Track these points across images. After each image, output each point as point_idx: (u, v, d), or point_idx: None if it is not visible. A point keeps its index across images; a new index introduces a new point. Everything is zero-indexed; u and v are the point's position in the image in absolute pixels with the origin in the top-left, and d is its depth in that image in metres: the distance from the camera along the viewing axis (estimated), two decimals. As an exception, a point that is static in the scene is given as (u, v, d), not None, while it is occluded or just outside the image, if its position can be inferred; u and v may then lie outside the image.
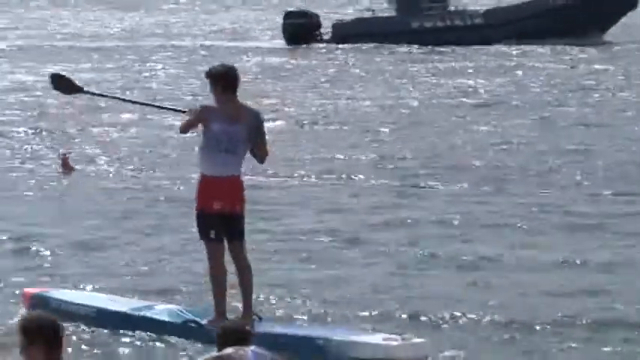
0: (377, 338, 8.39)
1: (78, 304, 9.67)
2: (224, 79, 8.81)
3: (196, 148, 9.77)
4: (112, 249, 12.06)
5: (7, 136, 22.81)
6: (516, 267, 11.82)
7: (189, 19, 53.83)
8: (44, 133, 22.97)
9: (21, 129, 23.64)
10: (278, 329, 8.92)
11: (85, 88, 10.67)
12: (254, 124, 8.89)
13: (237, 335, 7.69)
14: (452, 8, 34.13)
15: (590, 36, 33.92)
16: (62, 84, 10.35)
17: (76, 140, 22.12)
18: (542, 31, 32.77)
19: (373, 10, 34.97)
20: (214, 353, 7.32)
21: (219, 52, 37.51)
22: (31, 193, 15.94)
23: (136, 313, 9.40)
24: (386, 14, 34.24)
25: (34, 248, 11.92)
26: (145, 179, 18.10)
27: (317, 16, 34.84)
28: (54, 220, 13.98)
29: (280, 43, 35.04)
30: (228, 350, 7.39)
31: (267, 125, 20.97)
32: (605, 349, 8.65)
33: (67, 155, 18.49)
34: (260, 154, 8.93)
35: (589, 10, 33.69)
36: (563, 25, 33.24)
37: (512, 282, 11.09)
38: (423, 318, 9.40)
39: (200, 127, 8.99)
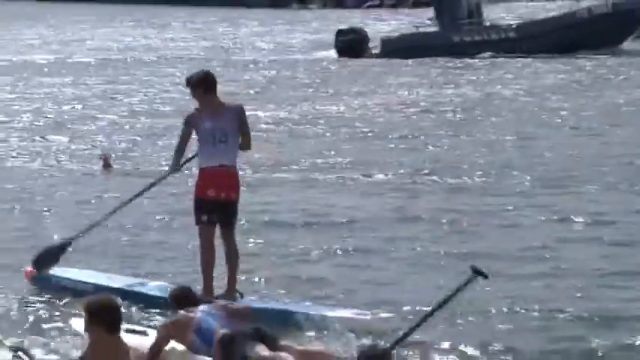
0: (349, 312, 9.20)
1: (76, 280, 10.10)
2: (205, 83, 9.52)
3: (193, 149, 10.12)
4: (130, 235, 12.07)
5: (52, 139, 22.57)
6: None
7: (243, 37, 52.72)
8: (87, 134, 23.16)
9: (65, 129, 23.72)
10: (258, 304, 9.41)
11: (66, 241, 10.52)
12: (237, 115, 9.56)
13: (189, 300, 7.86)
14: (487, 23, 35.36)
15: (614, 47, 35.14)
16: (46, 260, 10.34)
17: (117, 141, 21.96)
18: (570, 43, 33.61)
19: (417, 27, 36.45)
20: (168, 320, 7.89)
21: (278, 63, 36.68)
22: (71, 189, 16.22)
23: (130, 288, 9.85)
24: (429, 30, 35.59)
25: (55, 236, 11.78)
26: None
27: (365, 32, 36.25)
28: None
29: (333, 56, 35.97)
30: (180, 313, 7.65)
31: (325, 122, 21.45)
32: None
33: (107, 155, 18.79)
34: (245, 142, 9.60)
35: (614, 23, 34.47)
36: (590, 36, 33.90)
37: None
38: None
39: (194, 133, 9.59)
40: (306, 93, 30.09)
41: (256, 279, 10.57)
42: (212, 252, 9.70)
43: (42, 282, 10.30)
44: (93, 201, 14.85)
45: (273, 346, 7.98)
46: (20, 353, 7.13)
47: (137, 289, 9.93)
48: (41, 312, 9.61)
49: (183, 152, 9.78)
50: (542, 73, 31.46)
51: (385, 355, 6.79)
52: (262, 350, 7.90)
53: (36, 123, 24.18)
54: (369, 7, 64.56)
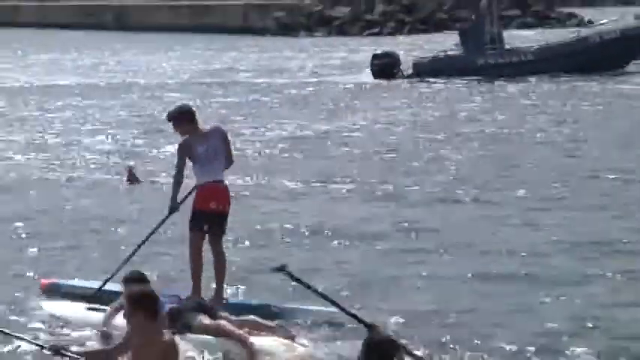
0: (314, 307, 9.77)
1: (82, 287, 10.92)
2: (188, 114, 10.27)
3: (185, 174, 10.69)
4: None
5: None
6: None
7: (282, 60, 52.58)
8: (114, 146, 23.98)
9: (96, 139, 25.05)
10: (234, 300, 10.46)
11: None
12: (221, 136, 10.33)
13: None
14: (507, 47, 37.26)
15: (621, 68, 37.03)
16: None
17: (144, 153, 22.70)
18: (583, 65, 35.42)
19: (445, 51, 38.37)
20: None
21: (321, 84, 38.46)
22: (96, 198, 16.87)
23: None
24: (456, 53, 37.62)
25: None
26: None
27: (398, 55, 38.16)
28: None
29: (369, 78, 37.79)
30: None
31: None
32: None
33: (132, 168, 18.97)
34: (229, 157, 10.37)
35: (623, 47, 36.50)
36: (600, 59, 35.83)
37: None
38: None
39: (188, 161, 10.24)
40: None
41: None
42: (201, 258, 10.28)
43: (53, 292, 11.08)
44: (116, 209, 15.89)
45: (213, 316, 9.30)
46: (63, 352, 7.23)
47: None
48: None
49: (181, 183, 10.35)
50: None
51: (394, 342, 6.66)
52: (204, 319, 9.24)
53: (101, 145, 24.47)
54: (369, 34, 65.01)
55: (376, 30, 65.36)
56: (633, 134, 23.52)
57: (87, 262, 12.44)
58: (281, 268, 8.19)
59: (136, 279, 8.49)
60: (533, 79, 34.80)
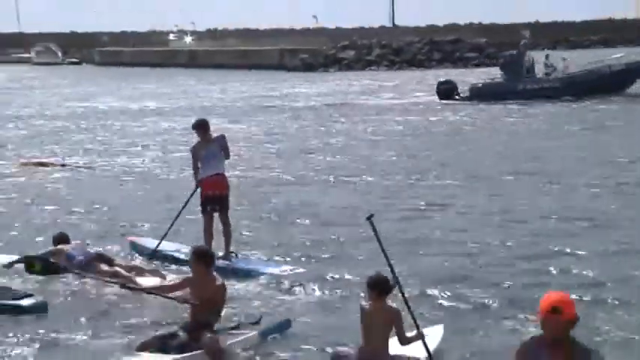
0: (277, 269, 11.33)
1: (144, 246, 12.92)
2: (204, 126, 12.24)
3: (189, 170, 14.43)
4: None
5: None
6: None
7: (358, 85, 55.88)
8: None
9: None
10: (239, 264, 11.95)
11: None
12: (219, 143, 12.01)
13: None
14: (539, 76, 40.58)
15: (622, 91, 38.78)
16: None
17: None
18: (596, 89, 39.46)
19: (493, 79, 41.63)
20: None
21: (401, 105, 41.42)
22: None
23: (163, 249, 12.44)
24: (501, 80, 40.47)
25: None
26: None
27: (455, 82, 41.27)
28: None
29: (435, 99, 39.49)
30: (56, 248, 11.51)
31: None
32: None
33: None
34: (226, 155, 12.08)
35: (626, 76, 40.68)
36: (609, 85, 40.10)
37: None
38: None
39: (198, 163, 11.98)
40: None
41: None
42: (211, 234, 11.98)
43: (134, 247, 13.01)
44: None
45: (111, 265, 11.46)
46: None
47: (171, 253, 12.49)
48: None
49: (197, 171, 12.16)
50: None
51: (387, 281, 7.85)
52: (103, 267, 11.34)
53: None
54: (369, 70, 73.14)
55: (374, 67, 74.03)
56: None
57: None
58: (369, 217, 8.47)
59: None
60: (556, 102, 37.95)
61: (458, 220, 15.14)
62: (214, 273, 8.62)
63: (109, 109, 42.95)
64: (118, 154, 25.87)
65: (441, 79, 43.30)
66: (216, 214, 12.11)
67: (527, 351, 5.05)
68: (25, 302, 10.10)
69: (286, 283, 11.14)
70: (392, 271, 8.00)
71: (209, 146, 11.92)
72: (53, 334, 9.36)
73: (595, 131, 29.04)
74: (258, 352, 8.77)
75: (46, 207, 17.15)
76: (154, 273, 11.51)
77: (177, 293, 8.92)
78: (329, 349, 8.28)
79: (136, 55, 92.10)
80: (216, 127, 15.66)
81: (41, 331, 9.38)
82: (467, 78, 51.52)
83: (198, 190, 12.09)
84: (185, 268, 10.60)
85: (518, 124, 32.36)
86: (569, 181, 18.77)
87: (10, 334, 9.32)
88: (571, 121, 32.11)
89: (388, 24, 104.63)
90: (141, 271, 11.59)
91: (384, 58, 75.31)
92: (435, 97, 42.11)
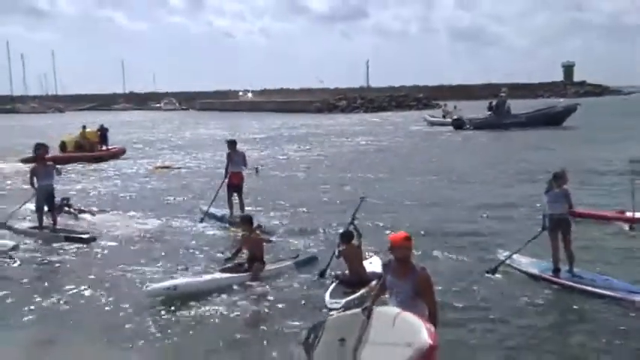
0: None
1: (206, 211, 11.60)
2: (234, 143, 11.61)
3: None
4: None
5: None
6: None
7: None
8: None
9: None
10: None
11: None
12: (241, 154, 11.49)
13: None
14: (513, 113, 33.61)
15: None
16: None
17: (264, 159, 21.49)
18: (551, 122, 32.39)
19: (485, 117, 34.22)
20: None
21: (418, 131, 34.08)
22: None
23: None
24: (491, 117, 33.73)
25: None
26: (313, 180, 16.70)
27: (463, 118, 34.41)
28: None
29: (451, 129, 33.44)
30: None
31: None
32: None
33: (258, 167, 18.23)
34: (244, 163, 11.41)
35: (572, 111, 33.36)
36: (561, 118, 33.13)
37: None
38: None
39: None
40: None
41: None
42: (232, 204, 11.32)
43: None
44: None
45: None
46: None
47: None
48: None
49: (227, 168, 11.34)
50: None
51: (350, 233, 7.40)
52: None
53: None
54: (355, 112, 63.76)
55: (357, 110, 65.82)
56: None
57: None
58: (363, 198, 8.29)
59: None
60: (524, 130, 31.14)
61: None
62: (253, 225, 8.17)
63: (204, 134, 38.74)
64: (204, 159, 22.68)
65: (455, 117, 36.32)
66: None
67: (386, 267, 4.70)
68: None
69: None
70: (353, 223, 7.68)
71: (234, 156, 11.48)
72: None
73: (531, 149, 22.89)
74: (292, 274, 7.97)
75: (165, 188, 16.13)
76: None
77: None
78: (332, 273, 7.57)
79: (219, 104, 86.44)
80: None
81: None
82: (412, 116, 48.56)
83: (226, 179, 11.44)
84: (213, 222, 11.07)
85: (483, 143, 27.16)
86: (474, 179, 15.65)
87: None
88: (516, 141, 26.83)
89: (365, 85, 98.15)
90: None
91: (363, 105, 68.71)
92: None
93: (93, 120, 40.94)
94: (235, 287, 7.57)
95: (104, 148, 23.94)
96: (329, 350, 4.77)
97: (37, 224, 10.49)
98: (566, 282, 6.92)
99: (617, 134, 27.12)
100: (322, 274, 7.71)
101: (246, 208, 11.20)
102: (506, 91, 38.00)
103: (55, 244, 9.76)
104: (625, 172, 12.83)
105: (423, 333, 4.07)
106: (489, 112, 34.36)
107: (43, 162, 10.66)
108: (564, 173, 7.48)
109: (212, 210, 11.47)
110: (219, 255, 8.91)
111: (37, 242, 9.94)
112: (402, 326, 4.19)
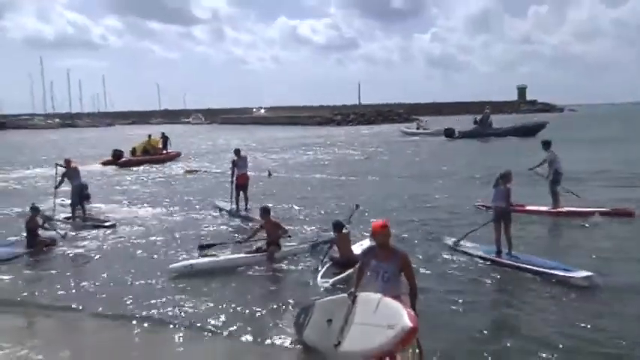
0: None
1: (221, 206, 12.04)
2: (238, 152, 11.99)
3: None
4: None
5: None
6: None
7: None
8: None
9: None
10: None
11: None
12: (244, 158, 11.89)
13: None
14: (494, 126, 33.47)
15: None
16: None
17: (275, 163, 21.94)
18: (528, 133, 31.45)
19: (471, 129, 33.41)
20: None
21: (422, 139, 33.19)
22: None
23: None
24: (476, 129, 33.21)
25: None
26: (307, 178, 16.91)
27: (453, 129, 33.62)
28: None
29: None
30: None
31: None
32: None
33: (270, 170, 18.43)
34: (246, 165, 11.72)
35: (538, 127, 32.89)
36: (534, 130, 32.11)
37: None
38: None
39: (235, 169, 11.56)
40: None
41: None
42: (238, 199, 11.49)
43: None
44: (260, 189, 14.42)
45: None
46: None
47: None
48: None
49: (234, 171, 11.60)
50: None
51: (340, 223, 7.60)
52: None
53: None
54: (349, 125, 63.15)
55: (351, 124, 65.54)
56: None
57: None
58: (357, 206, 8.49)
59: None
60: (504, 139, 30.82)
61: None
62: (271, 216, 8.28)
63: (223, 144, 38.01)
64: (223, 164, 21.49)
65: (446, 127, 35.97)
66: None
67: (369, 253, 4.67)
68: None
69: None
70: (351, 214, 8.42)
71: (240, 162, 11.81)
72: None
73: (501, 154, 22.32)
74: (304, 257, 7.93)
75: (190, 187, 16.20)
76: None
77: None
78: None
79: (237, 119, 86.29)
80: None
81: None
82: (393, 127, 48.35)
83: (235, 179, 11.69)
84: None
85: (464, 148, 26.64)
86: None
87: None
88: (491, 148, 26.47)
89: (357, 102, 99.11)
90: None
91: (355, 119, 68.70)
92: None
93: (141, 132, 41.83)
94: (250, 266, 7.68)
95: (165, 152, 25.21)
96: (318, 329, 4.78)
97: (70, 215, 11.26)
98: (506, 262, 7.26)
99: (572, 143, 26.73)
100: (324, 255, 7.89)
101: (265, 203, 11.39)
102: (489, 108, 37.46)
103: (86, 232, 10.28)
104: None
105: (404, 316, 4.02)
106: (475, 125, 34.28)
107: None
108: (509, 174, 7.79)
109: (222, 204, 12.05)
110: (236, 239, 8.99)
111: (73, 230, 10.48)
112: (385, 310, 4.16)
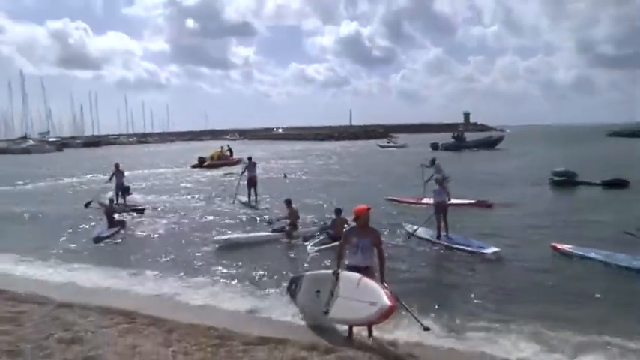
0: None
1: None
2: (250, 159, 12.68)
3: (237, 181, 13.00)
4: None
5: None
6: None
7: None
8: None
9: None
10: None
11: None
12: (254, 163, 12.51)
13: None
14: (467, 140, 34.12)
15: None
16: None
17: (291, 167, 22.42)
18: (491, 145, 32.72)
19: (451, 142, 33.64)
20: None
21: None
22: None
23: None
24: (453, 142, 33.56)
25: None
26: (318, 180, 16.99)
27: (438, 142, 34.02)
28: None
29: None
30: None
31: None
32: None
33: (286, 174, 18.63)
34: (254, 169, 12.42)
35: (498, 140, 34.12)
36: (496, 143, 33.49)
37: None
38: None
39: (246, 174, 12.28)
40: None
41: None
42: (250, 195, 12.06)
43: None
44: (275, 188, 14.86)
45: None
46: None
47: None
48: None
49: (245, 174, 12.25)
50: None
51: (339, 209, 7.83)
52: None
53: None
54: (340, 140, 62.15)
55: (345, 139, 65.07)
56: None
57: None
58: (338, 210, 7.81)
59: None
60: (473, 150, 31.42)
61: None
62: (292, 205, 8.66)
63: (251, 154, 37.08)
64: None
65: (432, 142, 36.08)
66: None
67: (351, 232, 4.64)
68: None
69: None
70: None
71: (251, 168, 12.42)
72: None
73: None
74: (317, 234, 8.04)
75: (220, 185, 16.38)
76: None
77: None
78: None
79: (262, 136, 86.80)
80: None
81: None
82: (380, 143, 46.89)
83: (246, 180, 12.30)
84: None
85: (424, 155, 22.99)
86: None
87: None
88: (460, 158, 25.98)
89: (349, 124, 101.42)
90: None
91: (347, 136, 68.55)
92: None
93: (198, 146, 45.24)
94: (273, 242, 8.25)
95: (233, 159, 26.66)
96: (308, 297, 4.85)
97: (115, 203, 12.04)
98: (444, 242, 7.95)
99: (511, 155, 27.77)
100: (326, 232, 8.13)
101: (286, 196, 10.77)
102: (462, 128, 39.86)
103: (145, 218, 11.03)
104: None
105: (383, 296, 3.99)
106: (453, 139, 35.27)
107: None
108: (445, 178, 8.99)
109: (242, 199, 12.59)
110: (263, 222, 9.66)
111: (122, 215, 11.14)
112: (365, 289, 4.13)
